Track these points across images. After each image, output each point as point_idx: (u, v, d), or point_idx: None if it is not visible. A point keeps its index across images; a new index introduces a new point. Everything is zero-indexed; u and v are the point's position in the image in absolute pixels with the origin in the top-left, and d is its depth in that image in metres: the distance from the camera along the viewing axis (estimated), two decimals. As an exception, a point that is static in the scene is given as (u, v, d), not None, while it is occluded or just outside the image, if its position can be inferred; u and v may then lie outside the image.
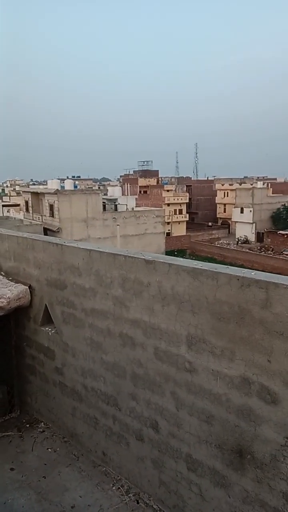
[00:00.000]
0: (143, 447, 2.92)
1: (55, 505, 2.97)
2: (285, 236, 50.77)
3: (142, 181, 72.47)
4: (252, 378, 2.13)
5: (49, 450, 3.65)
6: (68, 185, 38.27)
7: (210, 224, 69.06)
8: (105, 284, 3.07)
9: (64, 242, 3.61)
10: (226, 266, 2.41)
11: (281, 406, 2.02)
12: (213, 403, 2.36)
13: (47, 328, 3.89)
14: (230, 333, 2.21)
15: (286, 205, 58.36)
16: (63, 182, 39.98)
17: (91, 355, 3.32)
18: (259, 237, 56.09)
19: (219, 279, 2.23)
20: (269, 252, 50.19)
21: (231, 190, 68.05)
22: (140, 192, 63.65)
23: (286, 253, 48.17)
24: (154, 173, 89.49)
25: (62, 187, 36.83)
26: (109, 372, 3.16)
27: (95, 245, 3.34)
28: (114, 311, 3.02)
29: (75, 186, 43.82)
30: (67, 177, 65.06)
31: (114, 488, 3.09)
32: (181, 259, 2.66)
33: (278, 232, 52.42)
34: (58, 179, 42.96)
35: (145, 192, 64.90)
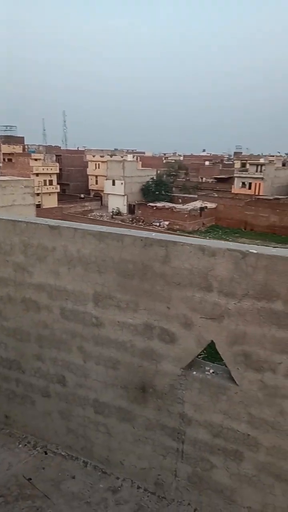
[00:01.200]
0: (49, 402, 3.10)
1: None
2: (154, 208, 54.02)
3: (5, 148, 67.45)
4: (154, 323, 2.49)
5: None
6: None
7: (82, 196, 68.81)
8: (4, 251, 3.05)
9: None
10: (128, 229, 2.68)
11: (178, 343, 2.43)
12: (118, 351, 2.66)
13: None
14: (134, 287, 2.51)
15: (155, 178, 61.70)
16: None
17: (-11, 323, 3.28)
18: (131, 209, 58.46)
19: (124, 240, 2.49)
20: (140, 223, 52.90)
21: (102, 162, 68.63)
22: (4, 160, 59.24)
23: (155, 224, 51.45)
24: (19, 140, 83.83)
25: None
26: (10, 337, 3.19)
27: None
28: (15, 277, 3.04)
29: None
30: None
31: (20, 445, 3.21)
32: (85, 224, 2.83)
33: (147, 204, 55.43)
34: None
35: (9, 160, 60.70)
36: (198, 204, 54.01)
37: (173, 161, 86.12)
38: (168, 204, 54.88)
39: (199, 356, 2.53)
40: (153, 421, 2.63)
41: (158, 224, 51.44)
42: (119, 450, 2.84)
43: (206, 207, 53.34)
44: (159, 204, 54.75)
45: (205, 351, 2.49)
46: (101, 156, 73.27)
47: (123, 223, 52.29)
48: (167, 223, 51.16)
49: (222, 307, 2.26)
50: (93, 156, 74.64)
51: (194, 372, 2.46)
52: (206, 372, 2.46)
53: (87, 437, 2.97)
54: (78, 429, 3.00)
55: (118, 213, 57.98)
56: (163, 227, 50.45)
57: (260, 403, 2.26)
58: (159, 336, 2.49)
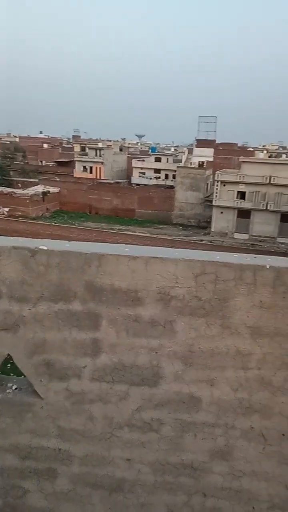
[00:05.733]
0: None
1: None
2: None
3: None
4: None
5: None
6: None
7: None
8: None
9: None
10: None
11: None
12: None
13: None
14: None
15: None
16: None
17: None
18: None
19: None
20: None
21: None
22: None
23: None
24: None
25: None
26: None
27: None
28: None
29: None
30: None
31: None
32: None
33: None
34: None
35: None
36: (39, 188, 51.94)
37: (8, 142, 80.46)
38: (7, 189, 51.17)
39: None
40: None
41: (-3, 211, 47.65)
42: None
43: (48, 191, 51.75)
44: (-4, 189, 50.62)
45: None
46: None
47: None
48: (7, 209, 47.74)
49: (16, 315, 1.94)
50: None
51: (-7, 393, 2.09)
52: (8, 390, 2.12)
53: None
54: None
55: None
56: (3, 214, 47.02)
57: (68, 413, 2.05)
58: None
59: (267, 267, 1.73)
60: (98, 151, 60.77)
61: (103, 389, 1.99)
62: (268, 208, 41.38)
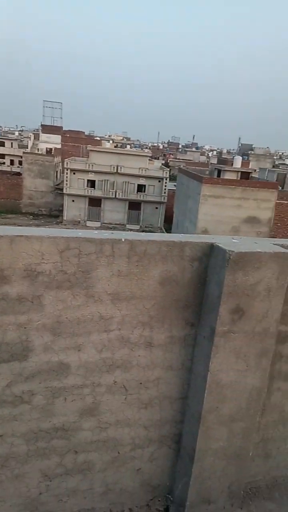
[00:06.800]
0: None
1: None
2: None
3: None
4: None
5: None
6: None
7: None
8: None
9: None
10: None
11: None
12: None
13: None
14: None
15: None
16: None
17: None
18: None
19: None
20: None
21: None
22: None
23: None
24: None
25: None
26: None
27: None
28: None
29: None
30: None
31: None
32: None
33: None
34: None
35: None
36: None
37: None
38: None
39: None
40: None
41: None
42: None
43: None
44: None
45: None
46: None
47: None
48: None
49: None
50: None
51: None
52: None
53: None
54: None
55: None
56: None
57: None
58: None
59: (123, 240, 2.00)
60: None
61: None
62: (117, 196, 43.42)
